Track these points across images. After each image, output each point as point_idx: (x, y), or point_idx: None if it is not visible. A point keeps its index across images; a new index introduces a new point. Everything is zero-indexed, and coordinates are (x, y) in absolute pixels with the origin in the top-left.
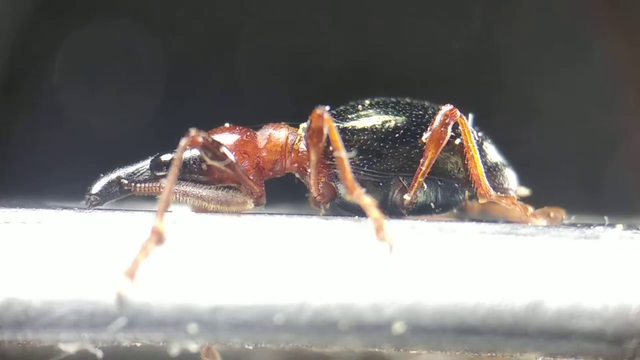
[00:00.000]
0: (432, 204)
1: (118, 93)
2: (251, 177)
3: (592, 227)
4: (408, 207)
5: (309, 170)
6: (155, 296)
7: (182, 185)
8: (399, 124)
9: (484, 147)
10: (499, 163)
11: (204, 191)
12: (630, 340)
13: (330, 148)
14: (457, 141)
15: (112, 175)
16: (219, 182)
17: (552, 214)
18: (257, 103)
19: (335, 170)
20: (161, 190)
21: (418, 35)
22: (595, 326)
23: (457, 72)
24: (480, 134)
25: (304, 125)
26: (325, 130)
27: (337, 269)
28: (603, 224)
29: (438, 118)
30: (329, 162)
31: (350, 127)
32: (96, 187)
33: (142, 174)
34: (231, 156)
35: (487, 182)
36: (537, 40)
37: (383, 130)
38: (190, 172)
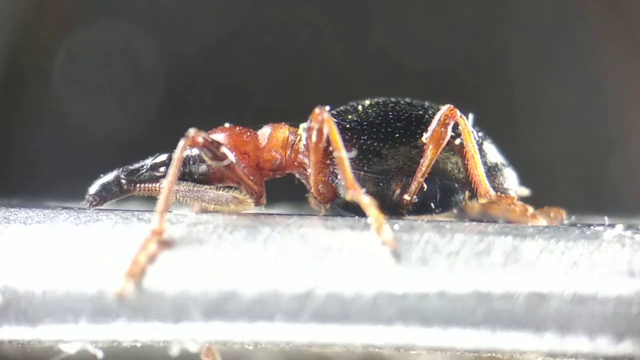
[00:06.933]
0: (432, 204)
1: (118, 93)
2: (251, 177)
3: (592, 227)
4: (408, 207)
5: (309, 170)
6: (154, 295)
7: (182, 185)
8: (399, 124)
9: (484, 147)
10: (499, 163)
11: (203, 191)
12: (631, 339)
13: (330, 148)
14: (457, 141)
15: (112, 176)
16: (219, 182)
17: (552, 214)
18: (257, 103)
19: (335, 170)
20: (161, 190)
21: (418, 35)
22: (596, 324)
23: (458, 72)
24: (480, 134)
25: (304, 125)
26: (325, 130)
27: (336, 269)
28: (603, 224)
29: (438, 118)
30: (328, 162)
31: (350, 127)
32: (96, 187)
33: (142, 174)
34: (231, 156)
35: (487, 182)
36: (537, 41)
37: (383, 130)
38: (190, 172)
